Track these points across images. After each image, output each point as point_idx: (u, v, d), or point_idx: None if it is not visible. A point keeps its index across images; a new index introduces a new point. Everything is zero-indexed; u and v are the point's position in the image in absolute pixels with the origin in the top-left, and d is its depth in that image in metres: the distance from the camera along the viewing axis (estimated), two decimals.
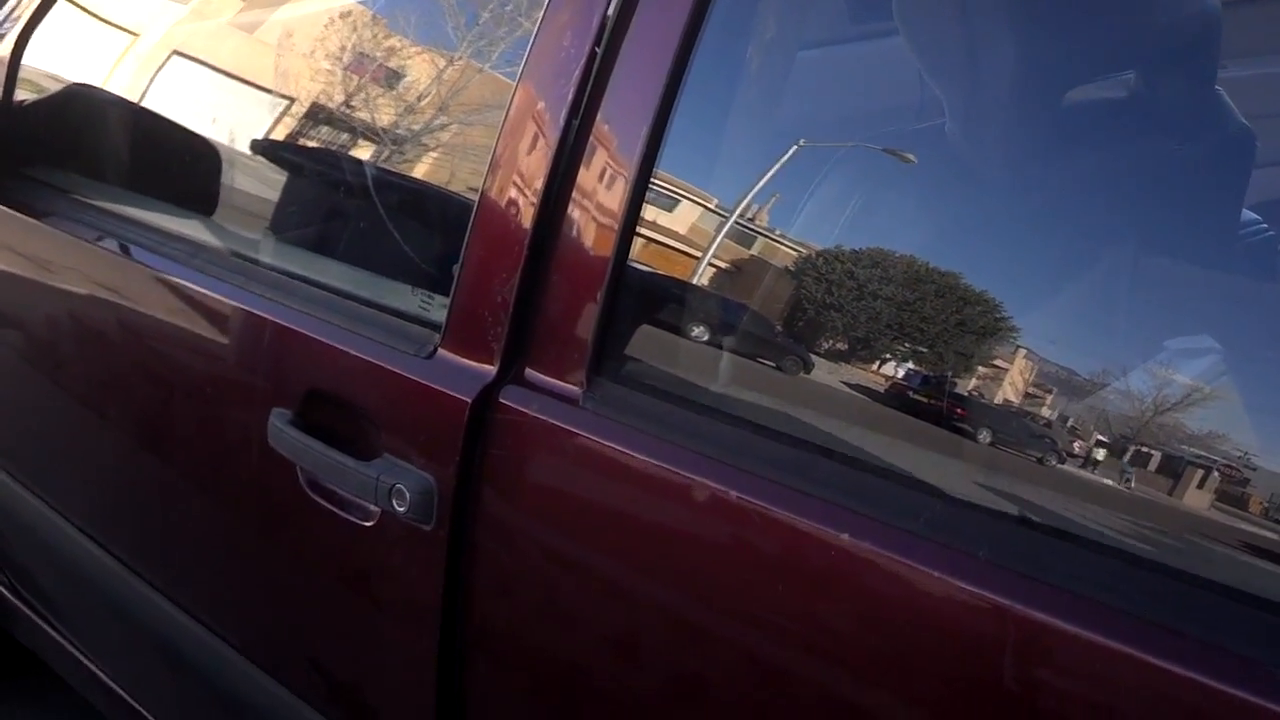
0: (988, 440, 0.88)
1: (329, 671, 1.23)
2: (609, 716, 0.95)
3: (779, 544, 0.80)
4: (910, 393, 0.91)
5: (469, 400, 0.96)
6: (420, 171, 1.32)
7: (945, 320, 0.88)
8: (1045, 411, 0.86)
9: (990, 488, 0.84)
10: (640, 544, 0.89)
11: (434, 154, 1.27)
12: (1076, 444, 0.85)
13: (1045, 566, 0.70)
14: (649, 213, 0.98)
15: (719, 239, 0.99)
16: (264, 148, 1.39)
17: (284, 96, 1.35)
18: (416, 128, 1.26)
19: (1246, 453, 0.78)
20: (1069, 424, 0.85)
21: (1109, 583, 0.69)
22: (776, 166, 0.94)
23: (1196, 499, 0.80)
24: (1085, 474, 0.83)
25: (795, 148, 0.93)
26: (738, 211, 0.98)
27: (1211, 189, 0.85)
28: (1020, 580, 0.70)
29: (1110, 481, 0.82)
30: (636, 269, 0.98)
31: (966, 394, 0.89)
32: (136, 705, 1.48)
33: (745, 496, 0.81)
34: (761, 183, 0.96)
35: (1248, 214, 0.83)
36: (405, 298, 1.16)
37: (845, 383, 0.92)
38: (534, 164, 0.98)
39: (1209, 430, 0.79)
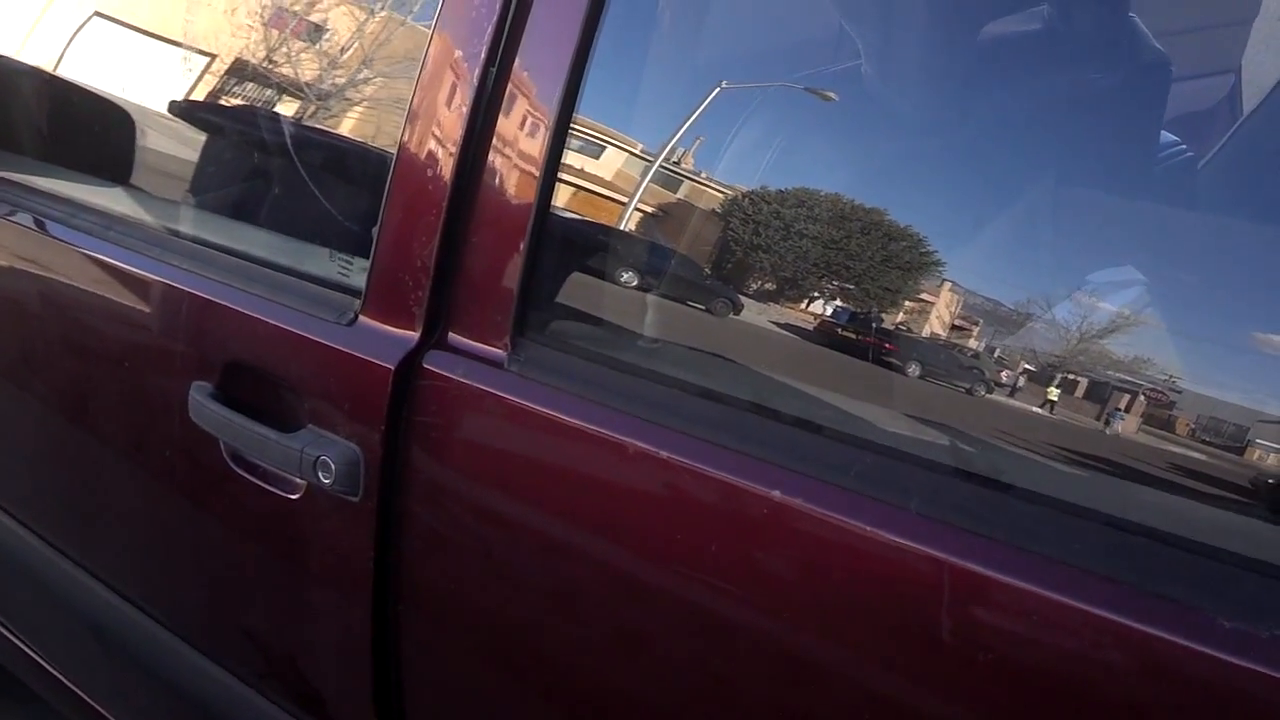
0: (917, 373, 0.87)
1: (263, 649, 1.20)
2: (546, 677, 0.94)
3: (710, 503, 0.79)
4: (839, 330, 0.90)
5: (392, 367, 0.94)
6: (340, 130, 1.28)
7: (871, 257, 0.87)
8: (973, 343, 0.86)
9: (921, 433, 0.83)
10: (570, 507, 0.88)
11: (354, 111, 1.24)
12: (1004, 373, 0.84)
13: (976, 517, 0.70)
14: (576, 161, 0.96)
15: (644, 184, 0.97)
16: (179, 109, 1.34)
17: (199, 53, 1.30)
18: (338, 84, 1.23)
19: (1171, 376, 0.77)
20: (996, 354, 0.85)
21: (1038, 531, 0.68)
22: (700, 109, 0.93)
23: (1125, 425, 0.79)
24: (1013, 403, 0.82)
25: (718, 89, 0.91)
26: (662, 156, 0.97)
27: (1129, 116, 0.85)
28: (950, 531, 0.69)
29: (1038, 410, 0.82)
30: (561, 226, 0.95)
31: (895, 329, 0.89)
32: (75, 689, 1.44)
33: (674, 456, 0.80)
34: (685, 126, 0.94)
35: (1167, 135, 0.83)
36: (324, 263, 1.12)
37: (775, 323, 0.91)
38: (451, 118, 0.95)
39: (1134, 355, 0.79)
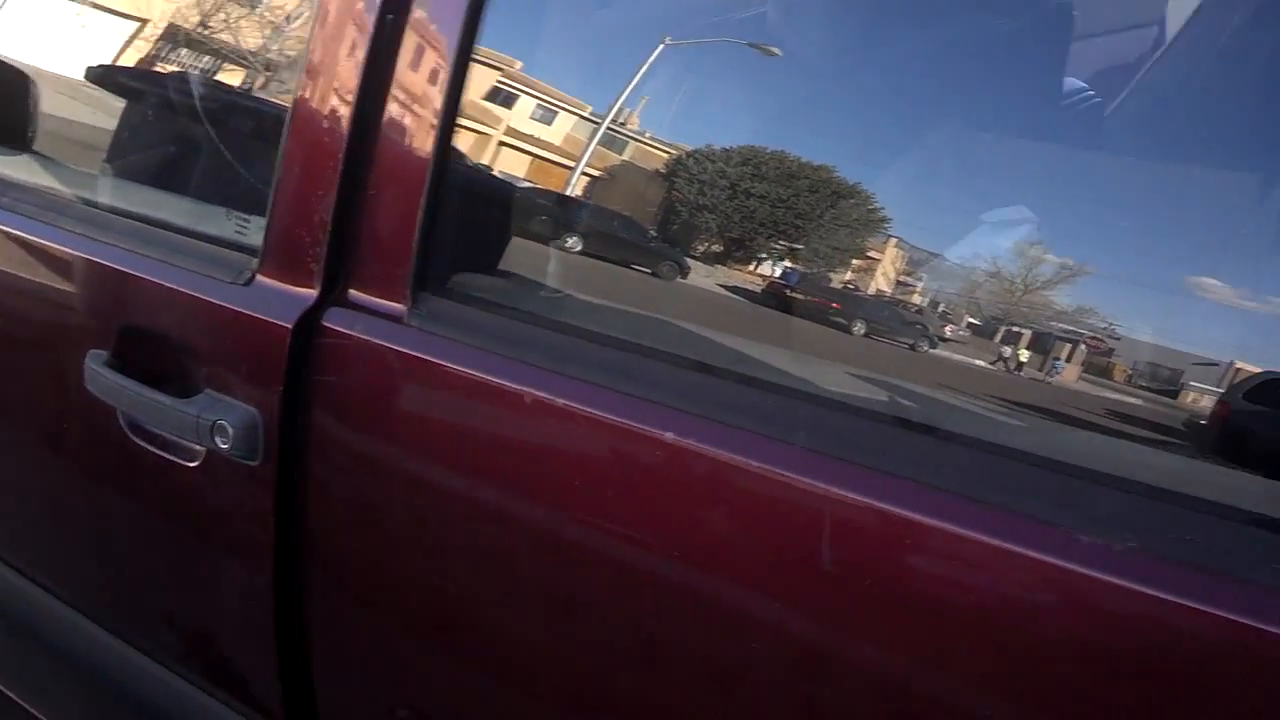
0: (862, 331, 0.87)
1: (173, 624, 1.14)
2: (455, 630, 0.91)
3: (606, 447, 0.79)
4: (787, 290, 0.90)
5: (290, 326, 0.91)
6: (239, 87, 1.23)
7: (819, 215, 0.87)
8: (917, 299, 0.87)
9: (819, 375, 0.84)
10: (473, 458, 0.87)
11: (254, 68, 1.19)
12: (949, 328, 0.85)
13: (852, 446, 0.71)
14: (505, 120, 0.95)
15: (590, 146, 0.96)
16: (78, 71, 1.27)
17: (96, 8, 1.24)
18: (240, 41, 1.18)
19: (1110, 323, 0.80)
20: (940, 309, 0.86)
21: (904, 457, 0.70)
22: (644, 68, 0.92)
23: (1067, 373, 0.81)
24: (957, 357, 0.83)
25: (662, 46, 0.91)
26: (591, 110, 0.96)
27: (1035, 60, 0.88)
28: (838, 464, 0.70)
29: (983, 363, 0.83)
30: (462, 177, 0.94)
31: (843, 287, 0.89)
32: None
33: (571, 402, 0.79)
34: (631, 86, 0.94)
35: (1074, 82, 0.85)
36: (222, 223, 1.09)
37: (723, 286, 0.90)
38: (347, 70, 0.92)
39: (1076, 305, 0.81)
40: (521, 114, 1.03)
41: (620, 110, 0.95)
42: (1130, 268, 0.79)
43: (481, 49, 0.95)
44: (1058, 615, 0.63)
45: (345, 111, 0.91)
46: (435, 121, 0.88)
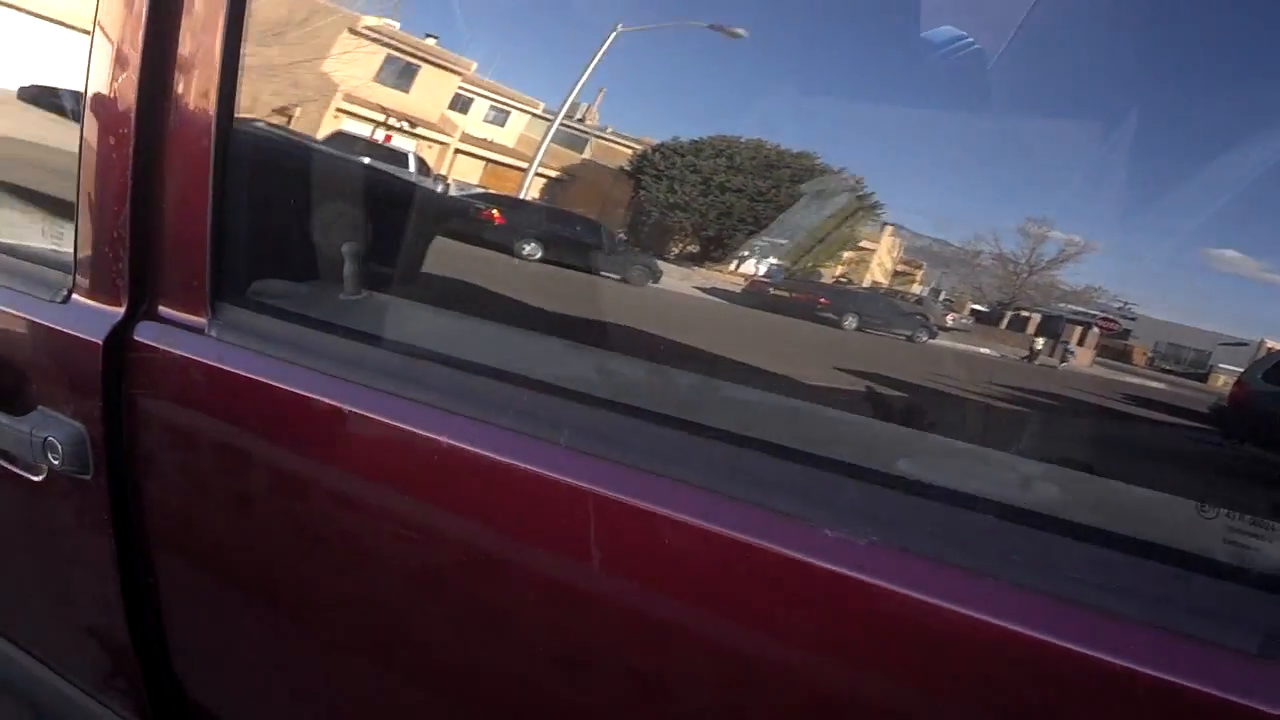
0: (854, 325, 0.80)
1: (51, 631, 1.19)
2: (291, 613, 0.95)
3: (393, 451, 0.81)
4: (772, 289, 0.83)
5: (100, 341, 0.93)
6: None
7: None
8: (916, 288, 0.80)
9: (572, 367, 0.83)
10: (273, 464, 0.90)
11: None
12: (950, 316, 0.79)
13: (611, 443, 0.70)
14: (462, 126, 0.87)
15: (544, 145, 0.88)
16: None
17: None
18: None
19: (1124, 303, 0.73)
20: (942, 297, 0.79)
21: (659, 452, 0.69)
22: (597, 58, 0.84)
23: (1081, 357, 0.75)
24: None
25: (615, 33, 0.83)
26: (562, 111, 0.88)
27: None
28: (594, 461, 0.70)
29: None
30: (251, 185, 0.93)
31: (834, 282, 0.82)
32: None
33: (358, 409, 0.81)
34: (585, 76, 0.86)
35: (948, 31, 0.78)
36: (43, 240, 1.12)
37: (699, 288, 0.83)
38: (125, 83, 0.91)
39: (1085, 284, 0.75)
40: (476, 118, 0.96)
41: (574, 105, 0.87)
42: (1141, 242, 0.73)
43: (435, 49, 0.93)
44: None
45: (127, 126, 0.91)
46: (211, 128, 0.88)
